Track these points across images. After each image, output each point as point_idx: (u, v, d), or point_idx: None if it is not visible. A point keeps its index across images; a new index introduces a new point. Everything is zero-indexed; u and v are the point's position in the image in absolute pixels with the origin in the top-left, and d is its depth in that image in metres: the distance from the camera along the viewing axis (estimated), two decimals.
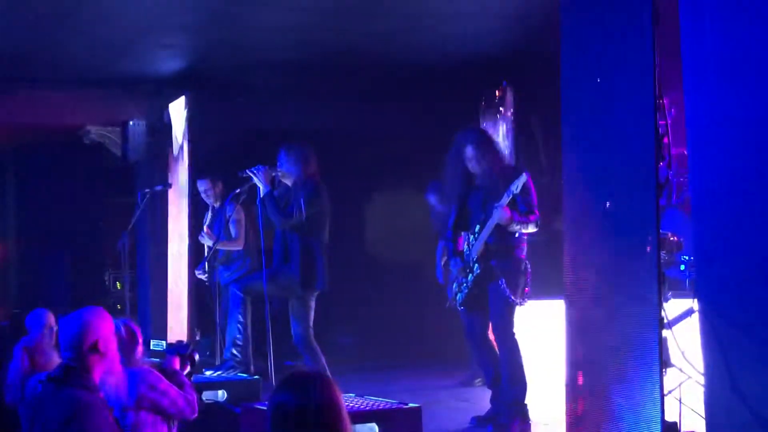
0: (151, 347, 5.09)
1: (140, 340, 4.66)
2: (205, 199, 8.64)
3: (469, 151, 6.30)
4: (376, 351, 10.13)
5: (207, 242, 8.24)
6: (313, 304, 6.92)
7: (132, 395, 4.46)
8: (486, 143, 6.39)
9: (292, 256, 6.87)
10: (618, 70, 4.71)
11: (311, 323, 6.89)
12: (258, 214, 6.92)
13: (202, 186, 8.61)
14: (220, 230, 8.06)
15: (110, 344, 3.82)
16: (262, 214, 6.88)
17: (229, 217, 7.94)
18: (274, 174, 6.90)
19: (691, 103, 4.42)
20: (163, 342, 5.08)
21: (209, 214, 8.55)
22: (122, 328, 4.57)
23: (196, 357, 5.04)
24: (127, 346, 4.56)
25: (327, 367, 6.79)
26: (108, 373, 3.81)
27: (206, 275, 7.95)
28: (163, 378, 4.63)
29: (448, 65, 9.07)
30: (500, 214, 6.04)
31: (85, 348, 3.79)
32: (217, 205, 8.52)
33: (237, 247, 8.41)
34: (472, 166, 6.31)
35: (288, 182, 6.98)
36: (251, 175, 6.83)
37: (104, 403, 3.95)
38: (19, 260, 12.56)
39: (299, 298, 6.87)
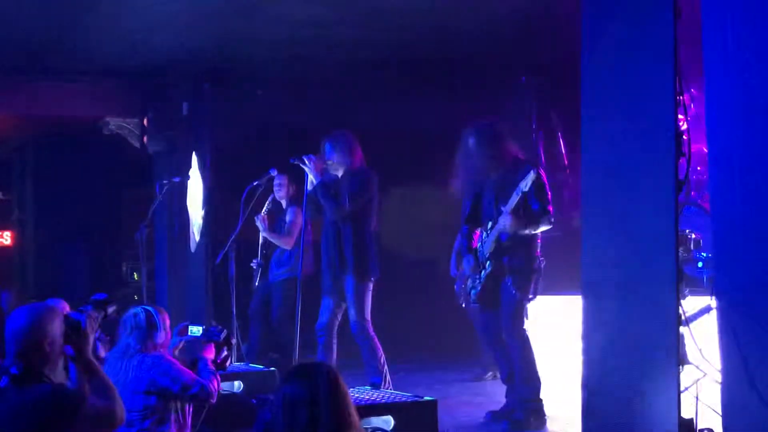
0: (189, 333, 5.12)
1: (160, 327, 4.72)
2: (276, 193, 8.37)
3: (471, 146, 6.25)
4: (389, 344, 10.11)
5: (260, 226, 8.20)
6: (370, 293, 6.89)
7: (143, 380, 4.56)
8: (492, 138, 6.25)
9: (346, 246, 6.83)
10: (639, 65, 4.70)
11: (368, 313, 6.86)
12: (303, 207, 6.90)
13: (278, 179, 8.29)
14: (281, 225, 8.17)
15: (55, 343, 3.55)
16: (307, 207, 6.85)
17: (289, 218, 8.11)
18: (324, 165, 6.82)
19: (711, 98, 4.40)
20: (201, 328, 5.05)
21: (270, 203, 8.37)
22: (142, 314, 4.67)
23: (233, 341, 5.11)
24: (144, 333, 4.67)
25: (384, 361, 6.83)
26: (52, 371, 3.65)
27: (260, 266, 8.06)
28: (177, 364, 4.69)
29: (467, 60, 9.06)
30: (505, 221, 5.99)
31: (31, 346, 3.52)
32: (283, 202, 8.39)
33: (285, 245, 8.25)
34: (475, 161, 6.25)
35: (338, 173, 6.91)
36: (301, 162, 6.72)
37: None
38: (37, 251, 12.64)
39: (356, 288, 6.84)
